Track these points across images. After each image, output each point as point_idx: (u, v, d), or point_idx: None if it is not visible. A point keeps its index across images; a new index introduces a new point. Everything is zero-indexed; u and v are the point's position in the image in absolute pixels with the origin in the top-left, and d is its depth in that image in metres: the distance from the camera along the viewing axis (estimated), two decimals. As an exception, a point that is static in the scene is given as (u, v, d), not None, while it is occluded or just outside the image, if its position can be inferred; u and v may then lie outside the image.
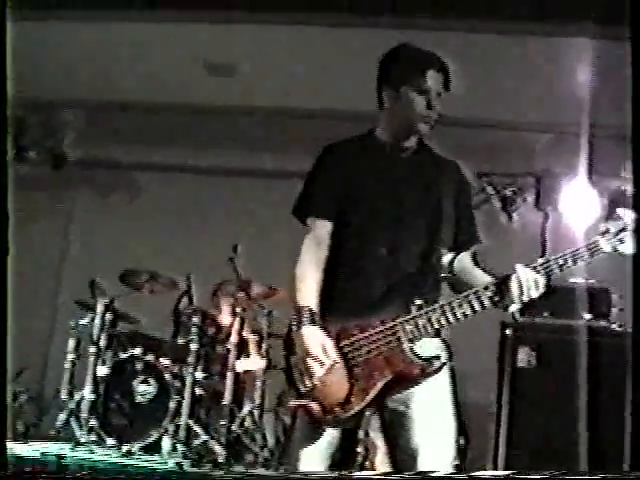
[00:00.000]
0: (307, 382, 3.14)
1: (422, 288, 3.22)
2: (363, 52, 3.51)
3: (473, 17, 6.21)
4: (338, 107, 6.39)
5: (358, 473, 3.27)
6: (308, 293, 3.23)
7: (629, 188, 6.65)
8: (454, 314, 3.12)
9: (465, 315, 3.12)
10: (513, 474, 3.29)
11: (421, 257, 3.29)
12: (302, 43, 6.81)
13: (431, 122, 3.36)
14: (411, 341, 3.13)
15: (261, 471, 5.99)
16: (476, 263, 3.43)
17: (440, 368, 3.15)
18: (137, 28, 6.87)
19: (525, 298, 3.10)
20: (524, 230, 7.07)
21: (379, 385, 3.13)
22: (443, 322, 3.13)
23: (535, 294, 3.10)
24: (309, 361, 3.13)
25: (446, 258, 3.37)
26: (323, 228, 3.35)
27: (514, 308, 3.15)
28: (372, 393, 3.13)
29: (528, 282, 3.07)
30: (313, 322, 3.16)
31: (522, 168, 7.45)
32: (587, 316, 5.72)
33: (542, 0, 5.99)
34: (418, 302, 3.14)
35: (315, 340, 3.14)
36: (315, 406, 3.14)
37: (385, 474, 3.27)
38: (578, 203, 6.86)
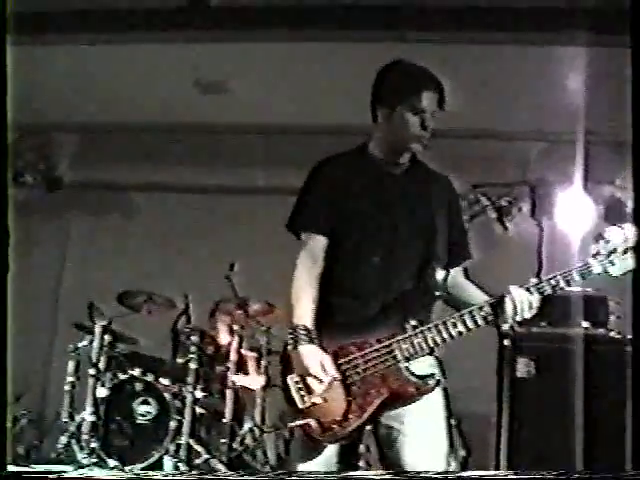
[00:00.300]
0: (306, 400, 3.15)
1: (417, 306, 3.23)
2: (354, 67, 3.51)
3: (466, 28, 6.22)
4: (330, 122, 6.40)
5: (356, 473, 3.28)
6: (304, 311, 3.23)
7: (624, 195, 6.68)
8: (449, 332, 3.14)
9: (460, 333, 3.14)
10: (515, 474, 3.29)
11: (416, 274, 3.29)
12: (292, 59, 6.82)
13: (424, 142, 3.35)
14: (407, 360, 3.14)
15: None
16: (467, 278, 3.45)
17: (435, 386, 3.17)
18: (129, 50, 6.88)
19: (519, 318, 3.13)
20: (520, 240, 7.07)
21: (376, 403, 3.14)
22: (438, 340, 3.15)
23: (528, 315, 3.13)
24: (308, 379, 3.14)
25: (439, 275, 3.34)
26: (318, 243, 3.34)
27: (507, 327, 3.19)
28: (369, 410, 3.15)
29: (522, 303, 3.11)
30: (310, 340, 3.17)
31: (517, 178, 7.45)
32: (585, 324, 5.72)
33: (535, 10, 6.00)
34: (413, 322, 3.16)
35: (314, 358, 3.14)
36: (313, 424, 3.14)
37: (383, 474, 3.27)
38: (573, 211, 6.86)
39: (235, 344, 6.55)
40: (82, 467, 6.08)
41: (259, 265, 6.77)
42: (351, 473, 3.27)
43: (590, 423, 5.33)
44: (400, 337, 3.15)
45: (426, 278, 3.30)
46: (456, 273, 3.43)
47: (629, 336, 5.66)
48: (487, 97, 7.02)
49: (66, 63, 7.06)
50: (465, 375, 4.81)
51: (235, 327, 6.62)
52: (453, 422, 3.36)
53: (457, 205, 3.56)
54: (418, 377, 3.15)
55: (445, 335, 3.14)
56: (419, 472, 3.13)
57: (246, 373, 6.67)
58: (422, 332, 3.14)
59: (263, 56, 6.82)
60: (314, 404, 3.14)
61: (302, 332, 3.17)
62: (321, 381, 3.13)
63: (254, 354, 6.70)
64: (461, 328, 3.13)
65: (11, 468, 3.43)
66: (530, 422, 5.57)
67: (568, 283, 3.13)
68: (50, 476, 3.85)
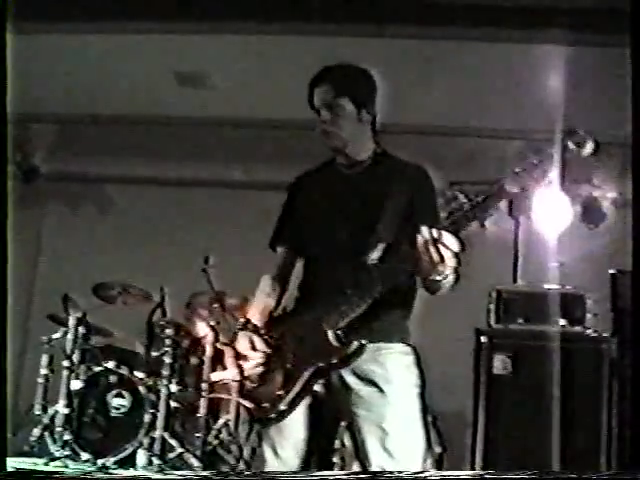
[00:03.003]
0: (245, 382, 3.30)
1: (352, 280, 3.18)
2: (335, 60, 3.50)
3: (445, 25, 6.22)
4: (310, 117, 6.35)
5: (333, 473, 3.31)
6: (255, 309, 3.44)
7: (600, 194, 6.70)
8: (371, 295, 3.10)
9: (381, 294, 3.08)
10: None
11: (357, 269, 3.21)
12: (273, 52, 6.80)
13: (334, 135, 3.37)
14: (334, 327, 3.13)
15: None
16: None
17: (362, 351, 3.12)
18: (107, 40, 6.84)
19: (436, 258, 2.93)
20: (497, 238, 7.07)
21: (306, 375, 3.17)
22: (362, 304, 3.11)
23: (448, 254, 2.95)
24: (240, 362, 3.31)
25: (377, 252, 3.24)
26: (286, 258, 3.51)
27: (436, 277, 3.03)
28: (299, 383, 3.18)
29: (434, 240, 2.94)
30: (247, 330, 3.33)
31: (494, 175, 7.44)
32: (562, 322, 5.74)
33: (515, 8, 6.01)
34: (346, 290, 3.14)
35: (244, 342, 3.30)
36: (247, 403, 3.29)
37: (362, 473, 3.27)
38: (551, 210, 6.88)
39: (211, 338, 6.53)
40: (55, 460, 6.05)
41: (235, 259, 6.75)
42: (327, 473, 3.28)
43: (566, 420, 5.35)
44: (330, 309, 3.15)
45: (363, 268, 3.20)
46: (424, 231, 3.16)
47: (605, 334, 5.69)
48: (466, 95, 7.03)
49: (42, 53, 7.00)
50: (441, 372, 4.80)
51: (211, 321, 6.60)
52: (429, 419, 3.32)
53: (427, 186, 3.44)
54: (344, 342, 3.12)
55: (368, 299, 3.10)
56: (395, 472, 3.12)
57: (222, 367, 6.65)
58: (348, 298, 3.12)
59: (243, 48, 6.79)
60: (251, 384, 3.27)
61: (244, 323, 3.36)
62: (252, 360, 3.27)
63: (230, 348, 6.67)
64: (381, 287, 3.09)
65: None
66: (506, 419, 5.58)
67: (469, 198, 3.21)
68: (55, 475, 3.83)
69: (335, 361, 3.15)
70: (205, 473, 5.76)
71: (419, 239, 2.94)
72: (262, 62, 6.89)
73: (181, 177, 8.56)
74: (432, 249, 2.93)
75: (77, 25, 6.56)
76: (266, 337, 3.28)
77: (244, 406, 3.33)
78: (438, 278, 3.01)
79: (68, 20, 6.46)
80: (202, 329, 6.73)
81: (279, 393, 3.19)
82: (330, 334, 3.14)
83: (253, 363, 3.26)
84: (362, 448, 3.24)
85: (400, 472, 3.13)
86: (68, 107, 7.90)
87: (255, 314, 3.39)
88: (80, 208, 8.71)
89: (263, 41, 6.68)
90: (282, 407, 3.19)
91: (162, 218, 8.36)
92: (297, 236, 3.48)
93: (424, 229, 2.95)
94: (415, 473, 3.16)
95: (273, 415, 3.22)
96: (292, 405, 3.21)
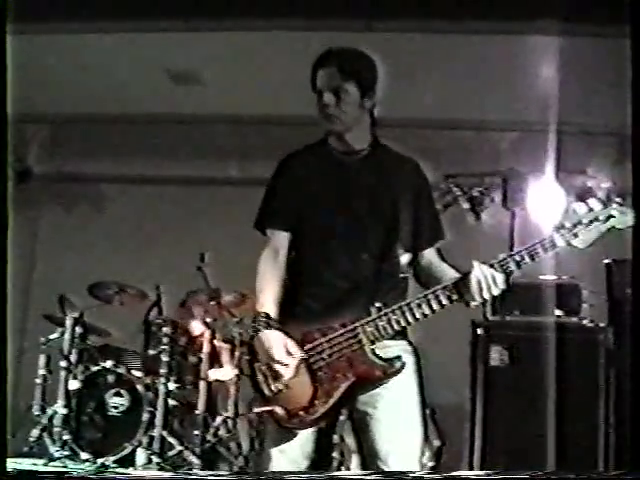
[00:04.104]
0: (272, 386, 3.17)
1: (381, 290, 3.24)
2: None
3: (435, 17, 6.22)
4: (304, 112, 6.36)
5: (341, 473, 3.29)
6: (266, 300, 3.28)
7: (595, 185, 6.69)
8: (413, 314, 3.14)
9: (424, 315, 3.14)
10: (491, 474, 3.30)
11: (378, 259, 3.30)
12: (268, 49, 6.79)
13: (337, 121, 3.36)
14: (372, 343, 3.15)
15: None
16: (442, 259, 3.44)
17: (401, 369, 3.16)
18: (100, 39, 6.83)
19: (485, 295, 3.10)
20: (492, 230, 7.08)
21: (342, 388, 3.15)
22: (403, 323, 3.15)
23: (495, 291, 3.10)
24: (273, 364, 3.15)
25: (404, 258, 3.37)
26: (280, 238, 3.40)
27: (474, 305, 3.15)
28: (335, 396, 3.15)
29: (486, 279, 3.08)
30: (271, 327, 3.19)
31: (488, 168, 7.45)
32: (558, 312, 5.74)
33: (506, -2, 6.01)
34: (377, 304, 3.16)
35: (276, 342, 3.16)
36: (279, 410, 3.16)
37: (368, 474, 3.27)
38: (545, 201, 6.88)
39: (208, 335, 6.53)
40: (54, 460, 6.05)
41: (231, 256, 6.74)
42: (336, 473, 3.28)
43: (563, 412, 5.35)
44: (364, 320, 3.15)
45: (389, 261, 3.31)
46: (429, 254, 3.44)
47: (602, 324, 5.70)
48: (459, 87, 7.02)
49: (33, 53, 6.99)
50: (438, 364, 4.80)
51: (207, 318, 6.60)
52: (427, 411, 3.34)
53: (426, 187, 3.53)
54: (384, 360, 3.15)
55: (409, 316, 3.14)
56: (404, 472, 3.14)
57: (219, 365, 6.65)
58: (386, 314, 3.14)
59: (235, 45, 6.78)
60: (280, 390, 3.16)
61: (263, 319, 3.21)
62: (286, 365, 3.14)
63: (227, 345, 6.68)
64: (425, 309, 3.13)
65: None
66: (503, 411, 5.58)
67: (532, 257, 3.12)
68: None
69: (375, 378, 3.16)
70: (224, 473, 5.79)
71: (472, 278, 3.08)
72: (255, 58, 6.88)
73: (175, 175, 8.55)
74: (484, 287, 3.09)
75: (68, 25, 6.54)
76: (297, 340, 3.19)
77: (268, 412, 3.21)
78: (474, 304, 3.12)
79: (59, 20, 6.44)
80: (198, 327, 6.72)
81: (314, 403, 3.15)
82: (368, 350, 3.15)
83: (286, 371, 3.16)
84: (364, 443, 3.26)
85: (412, 472, 3.15)
86: (60, 107, 7.89)
87: (268, 306, 3.28)
88: (74, 208, 8.69)
89: (255, 37, 6.67)
90: (317, 419, 3.17)
91: (157, 217, 8.36)
92: (290, 216, 3.42)
93: (476, 265, 3.10)
94: (429, 472, 3.18)
95: (305, 426, 3.19)
96: (328, 418, 3.20)
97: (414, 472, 3.16)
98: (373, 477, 3.23)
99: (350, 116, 3.36)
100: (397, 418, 3.21)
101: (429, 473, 3.36)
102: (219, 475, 5.28)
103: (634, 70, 3.30)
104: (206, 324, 6.59)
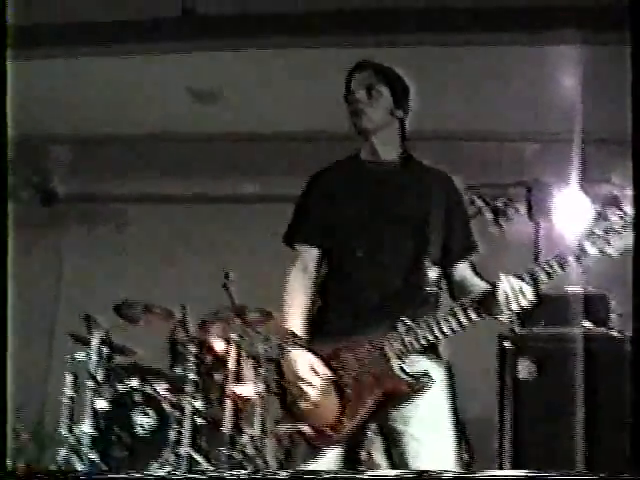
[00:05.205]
0: (300, 404, 3.16)
1: (409, 305, 3.21)
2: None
3: (461, 30, 6.21)
4: (325, 129, 6.39)
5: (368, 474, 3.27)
6: (294, 317, 3.28)
7: (621, 193, 6.65)
8: (441, 329, 3.10)
9: (453, 330, 3.10)
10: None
11: (406, 273, 3.28)
12: (285, 66, 6.81)
13: (365, 116, 3.38)
14: (399, 358, 3.12)
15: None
16: (476, 273, 3.40)
17: (429, 384, 3.13)
18: (121, 61, 6.87)
19: (514, 307, 3.05)
20: (517, 241, 7.04)
21: (369, 404, 3.12)
22: (430, 338, 3.12)
23: (524, 303, 3.04)
24: (300, 383, 3.14)
25: (433, 273, 3.34)
26: (309, 254, 3.41)
27: (504, 318, 3.11)
28: (363, 412, 3.13)
29: (514, 291, 3.03)
30: (298, 345, 3.19)
31: (512, 179, 7.43)
32: (586, 324, 5.69)
33: (529, 9, 5.98)
34: (404, 319, 3.13)
35: (303, 361, 3.16)
36: (307, 429, 3.15)
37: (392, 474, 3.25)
38: (570, 211, 6.84)
39: (233, 353, 6.51)
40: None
41: (256, 273, 6.75)
42: (360, 476, 3.25)
43: (591, 423, 5.30)
44: (390, 336, 3.12)
45: (418, 276, 3.29)
46: (462, 268, 3.41)
47: (628, 333, 5.65)
48: (483, 98, 7.01)
49: (57, 76, 7.05)
50: (466, 378, 4.77)
51: (233, 336, 6.59)
52: (457, 425, 3.31)
53: (460, 199, 3.52)
54: (411, 376, 3.12)
55: (437, 331, 3.10)
56: (427, 471, 3.10)
57: (245, 382, 6.63)
58: (413, 330, 3.11)
59: (255, 64, 6.80)
60: (308, 408, 3.14)
61: (290, 338, 3.21)
62: (314, 385, 3.13)
63: (252, 362, 6.66)
64: (453, 324, 3.09)
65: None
66: (532, 423, 5.54)
67: (562, 267, 3.03)
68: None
69: (403, 394, 3.13)
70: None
71: (500, 290, 3.02)
72: (274, 76, 6.89)
73: (198, 193, 8.58)
74: (512, 300, 3.03)
75: (92, 48, 6.59)
76: (324, 357, 3.18)
77: (298, 431, 3.19)
78: (503, 317, 3.08)
79: (85, 43, 6.50)
80: (223, 345, 6.71)
81: (342, 420, 3.13)
82: (395, 366, 3.12)
83: (312, 390, 3.15)
84: (395, 460, 3.23)
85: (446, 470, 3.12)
86: (83, 128, 7.94)
87: (295, 323, 3.28)
88: (100, 228, 8.74)
89: (274, 55, 6.68)
90: (345, 436, 3.15)
91: (180, 235, 8.38)
92: (321, 231, 3.42)
93: (504, 278, 3.04)
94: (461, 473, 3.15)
95: (333, 444, 3.17)
96: (356, 434, 3.17)
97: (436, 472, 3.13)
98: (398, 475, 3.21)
99: (379, 116, 3.39)
100: (428, 434, 3.18)
101: (462, 474, 3.30)
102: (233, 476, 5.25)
103: (634, 77, 3.25)
104: (231, 342, 6.58)
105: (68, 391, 6.64)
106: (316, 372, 3.15)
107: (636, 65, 3.17)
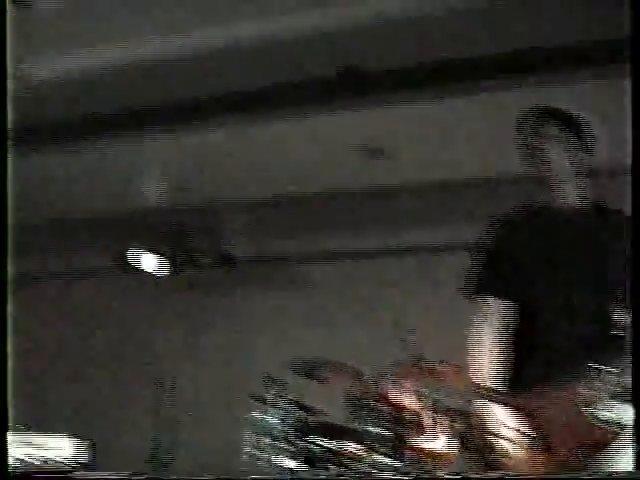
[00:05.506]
0: (493, 459, 3.12)
1: (599, 350, 3.15)
2: (507, 115, 3.52)
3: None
4: (505, 174, 6.32)
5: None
6: (484, 370, 3.28)
7: None
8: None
9: None
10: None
11: (594, 319, 3.24)
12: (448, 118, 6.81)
13: (554, 171, 3.39)
14: (591, 405, 3.05)
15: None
16: None
17: (620, 431, 3.04)
18: (290, 124, 7.01)
19: None
20: None
21: (562, 454, 3.07)
22: (621, 383, 3.03)
23: None
24: (494, 438, 3.12)
25: (623, 316, 3.25)
26: (494, 305, 3.38)
27: None
28: (556, 462, 3.07)
29: None
30: (491, 399, 3.16)
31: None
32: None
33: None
34: (595, 365, 3.07)
35: (497, 416, 3.14)
36: None
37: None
38: None
39: (418, 406, 6.47)
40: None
41: (436, 325, 6.72)
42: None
43: None
44: (581, 383, 3.07)
45: (606, 321, 3.23)
46: None
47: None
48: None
49: (233, 141, 7.24)
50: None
51: (424, 390, 6.55)
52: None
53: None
54: (604, 422, 3.05)
55: (627, 377, 3.00)
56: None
57: (438, 437, 6.57)
58: (604, 375, 3.05)
59: (416, 115, 6.82)
60: (504, 462, 3.10)
61: (482, 391, 3.21)
62: (508, 439, 3.09)
63: (444, 417, 6.60)
64: None
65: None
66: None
67: None
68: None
69: (596, 442, 3.07)
70: None
71: None
72: (443, 126, 6.90)
73: (368, 247, 8.63)
74: None
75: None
76: (518, 408, 3.16)
77: None
78: None
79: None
80: (409, 399, 6.67)
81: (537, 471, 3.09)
82: (587, 413, 3.06)
83: (507, 442, 3.13)
84: None
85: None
86: (258, 190, 8.13)
87: (485, 375, 3.27)
88: (276, 288, 8.88)
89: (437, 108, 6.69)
90: None
91: (355, 290, 8.44)
92: (506, 282, 3.39)
93: None
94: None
95: None
96: None
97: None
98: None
99: (568, 169, 3.37)
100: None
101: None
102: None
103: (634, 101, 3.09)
104: (416, 395, 6.54)
105: (248, 449, 6.69)
106: (510, 426, 3.11)
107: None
